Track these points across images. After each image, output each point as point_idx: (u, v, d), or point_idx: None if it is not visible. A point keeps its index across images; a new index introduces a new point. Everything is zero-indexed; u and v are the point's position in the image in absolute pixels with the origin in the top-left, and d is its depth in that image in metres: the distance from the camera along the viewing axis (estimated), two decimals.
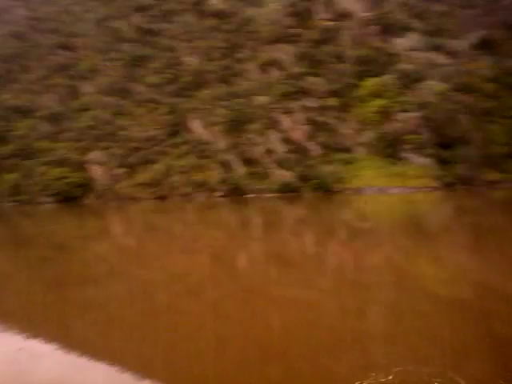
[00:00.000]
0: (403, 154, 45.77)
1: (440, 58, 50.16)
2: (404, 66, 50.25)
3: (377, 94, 48.20)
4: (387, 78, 49.27)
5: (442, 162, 44.09)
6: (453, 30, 52.87)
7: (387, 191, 42.44)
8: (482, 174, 42.66)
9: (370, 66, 51.61)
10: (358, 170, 46.24)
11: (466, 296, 6.32)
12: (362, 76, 51.28)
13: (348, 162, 47.33)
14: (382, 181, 44.17)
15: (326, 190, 44.63)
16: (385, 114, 46.99)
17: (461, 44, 50.94)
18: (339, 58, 53.45)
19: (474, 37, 51.52)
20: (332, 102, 51.08)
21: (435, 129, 45.12)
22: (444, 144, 45.13)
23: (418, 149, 44.99)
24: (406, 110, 46.65)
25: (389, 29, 53.85)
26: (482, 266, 8.44)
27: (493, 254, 9.70)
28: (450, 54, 51.09)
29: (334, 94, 51.57)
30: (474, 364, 4.39)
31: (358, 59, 52.53)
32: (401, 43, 53.00)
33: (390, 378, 4.34)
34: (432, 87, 46.42)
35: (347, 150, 48.85)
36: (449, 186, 41.87)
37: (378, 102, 47.34)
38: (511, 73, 48.19)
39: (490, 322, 5.17)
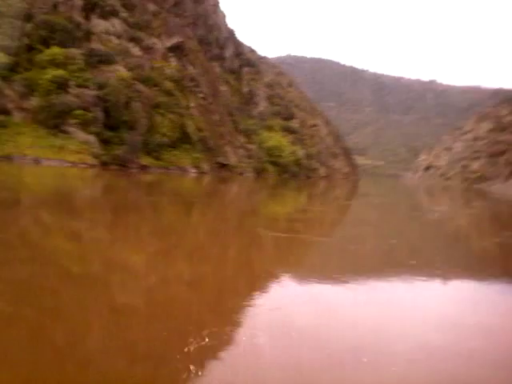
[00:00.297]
0: (68, 128, 44.03)
1: (135, 50, 50.98)
2: (96, 46, 49.33)
3: (57, 64, 45.85)
4: (75, 52, 47.79)
5: (105, 142, 44.81)
6: (155, 29, 54.97)
7: (42, 163, 40.27)
8: (138, 158, 45.16)
9: (61, 35, 49.25)
10: (12, 137, 41.49)
11: (95, 270, 6.50)
12: (48, 43, 48.12)
13: (3, 126, 41.81)
14: (39, 151, 41.54)
15: None
16: (60, 85, 44.36)
17: (157, 43, 53.27)
18: (26, 16, 46.94)
19: (171, 41, 55.03)
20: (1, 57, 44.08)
21: (107, 110, 45.35)
22: (111, 126, 45.97)
23: (85, 125, 44.29)
24: (83, 86, 44.94)
25: (94, 7, 51.56)
26: (117, 242, 8.80)
27: (126, 230, 10.26)
28: (145, 48, 52.66)
29: (5, 49, 44.52)
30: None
31: (49, 25, 48.09)
32: (101, 24, 51.78)
33: None
34: (117, 72, 46.50)
35: (6, 112, 43.16)
36: (105, 164, 42.85)
37: (57, 72, 44.93)
38: (190, 78, 53.63)
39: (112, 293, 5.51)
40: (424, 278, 7.08)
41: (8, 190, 17.86)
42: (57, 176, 30.74)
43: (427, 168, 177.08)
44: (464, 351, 4.14)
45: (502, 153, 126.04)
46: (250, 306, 5.11)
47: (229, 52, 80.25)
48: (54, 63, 45.91)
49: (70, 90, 45.20)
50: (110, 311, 4.70)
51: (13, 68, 45.13)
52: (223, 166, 53.93)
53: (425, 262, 8.45)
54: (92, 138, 43.92)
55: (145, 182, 32.19)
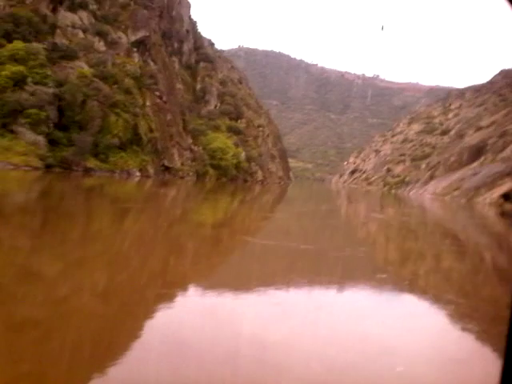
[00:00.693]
0: (17, 128, 44.58)
1: (99, 45, 51.75)
2: (60, 40, 49.62)
3: (18, 60, 45.82)
4: (36, 47, 47.89)
5: (53, 143, 45.68)
6: (122, 22, 55.45)
7: None
8: (85, 160, 46.32)
9: (25, 29, 49.79)
10: None
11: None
12: (11, 37, 48.32)
13: None
14: None
15: None
16: (17, 82, 44.87)
17: (123, 37, 54.05)
18: None
19: (137, 35, 55.90)
20: None
21: (61, 109, 46.23)
22: (63, 125, 46.96)
23: (35, 125, 44.89)
24: (41, 84, 45.72)
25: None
26: (32, 250, 9.43)
27: (50, 237, 10.94)
28: (110, 43, 53.48)
29: None
30: None
31: (14, 18, 48.38)
32: (68, 17, 51.90)
33: None
34: (78, 69, 47.42)
35: None
36: (50, 167, 43.43)
37: (16, 68, 45.20)
38: (150, 75, 55.16)
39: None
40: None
41: None
42: None
43: (353, 172, 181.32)
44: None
45: (426, 156, 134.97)
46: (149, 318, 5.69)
47: (188, 46, 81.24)
48: (14, 58, 46.57)
49: (26, 88, 46.14)
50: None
51: None
52: (167, 168, 56.60)
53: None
54: (41, 139, 44.54)
55: (83, 187, 33.58)
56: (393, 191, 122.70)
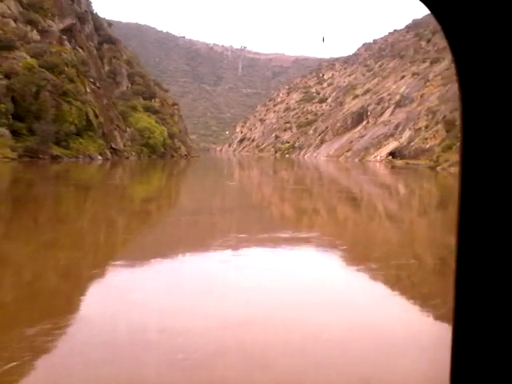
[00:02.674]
0: None
1: (32, 34, 50.19)
2: None
3: None
4: None
5: (15, 134, 45.94)
6: (47, 10, 53.57)
7: None
8: (49, 148, 47.51)
9: None
10: None
11: None
12: None
13: None
14: None
15: None
16: None
17: (53, 25, 52.61)
18: None
19: (65, 22, 54.56)
20: None
21: (15, 100, 45.94)
22: (19, 116, 46.91)
23: None
24: None
25: None
26: None
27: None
28: (42, 32, 51.87)
29: None
30: None
31: None
32: None
33: None
34: (24, 60, 46.70)
35: None
36: (20, 157, 44.19)
37: None
38: (81, 62, 55.32)
39: None
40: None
41: None
42: None
43: (241, 140, 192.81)
44: None
45: (310, 123, 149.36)
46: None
47: (89, 27, 79.73)
48: None
49: None
50: None
51: None
52: (114, 150, 58.91)
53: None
54: (5, 131, 44.92)
55: (61, 170, 37.86)
56: (287, 156, 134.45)
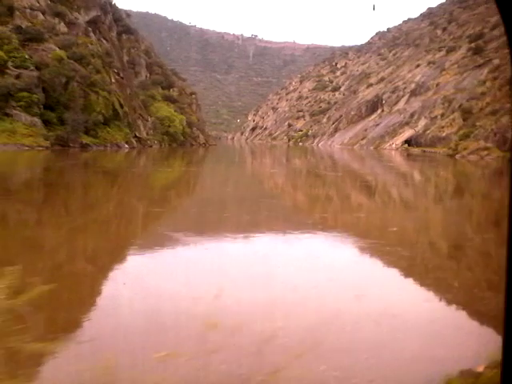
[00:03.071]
0: (12, 111, 45.62)
1: (60, 26, 51.50)
2: (23, 23, 48.67)
3: None
4: (5, 30, 46.87)
5: (46, 123, 47.57)
6: (73, 3, 54.88)
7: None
8: (79, 137, 49.19)
9: None
10: None
11: None
12: None
13: None
14: None
15: None
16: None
17: (79, 17, 53.95)
18: None
19: (90, 14, 55.88)
20: None
21: (46, 90, 47.46)
22: (49, 106, 48.49)
23: (28, 107, 46.10)
24: (21, 67, 46.19)
25: None
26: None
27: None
28: (69, 24, 53.17)
29: None
30: None
31: None
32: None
33: None
34: (51, 51, 48.09)
35: None
36: (52, 146, 46.08)
37: None
38: (106, 53, 56.63)
39: None
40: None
41: None
42: (26, 158, 35.89)
43: (253, 128, 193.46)
44: None
45: (323, 111, 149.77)
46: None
47: (108, 18, 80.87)
48: None
49: (9, 72, 46.51)
50: None
51: None
52: (138, 139, 60.45)
53: None
54: (37, 120, 46.65)
55: (94, 157, 39.72)
56: (300, 144, 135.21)
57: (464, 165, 46.24)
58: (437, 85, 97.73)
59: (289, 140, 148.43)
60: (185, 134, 78.41)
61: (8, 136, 43.13)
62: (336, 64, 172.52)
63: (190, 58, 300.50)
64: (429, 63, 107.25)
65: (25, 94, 45.64)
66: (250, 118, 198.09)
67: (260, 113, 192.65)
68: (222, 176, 29.13)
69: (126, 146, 53.75)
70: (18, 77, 46.64)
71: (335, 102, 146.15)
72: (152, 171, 31.02)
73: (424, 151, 78.08)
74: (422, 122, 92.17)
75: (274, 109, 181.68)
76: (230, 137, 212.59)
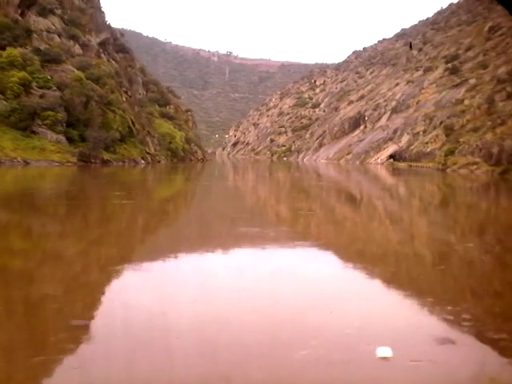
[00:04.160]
0: (38, 129, 47.71)
1: (75, 48, 53.75)
2: (41, 45, 50.78)
3: (16, 65, 47.05)
4: (26, 51, 48.70)
5: (70, 140, 49.79)
6: (85, 26, 57.09)
7: (32, 164, 44.19)
8: (100, 153, 51.60)
9: (4, 34, 48.90)
10: None
11: None
12: None
13: None
14: (22, 153, 44.97)
15: None
16: (24, 87, 46.72)
17: (91, 39, 56.26)
18: None
19: (101, 36, 58.19)
20: None
21: (67, 109, 49.74)
22: (71, 124, 50.77)
23: (53, 125, 48.28)
24: (44, 87, 48.36)
25: (30, 4, 51.48)
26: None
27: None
28: (82, 46, 55.40)
29: None
30: None
31: None
32: (41, 22, 52.37)
33: None
34: (69, 72, 50.36)
35: None
36: (78, 161, 48.47)
37: (19, 74, 46.56)
38: (115, 73, 59.33)
39: None
40: None
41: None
42: (57, 174, 38.02)
43: (234, 144, 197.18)
44: None
45: (305, 127, 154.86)
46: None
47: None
48: (13, 64, 48.12)
49: (33, 92, 48.63)
50: None
51: None
52: (148, 154, 62.96)
53: None
54: (62, 138, 48.92)
55: (115, 172, 42.69)
56: (284, 159, 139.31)
57: (460, 178, 50.77)
58: (417, 102, 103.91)
59: (272, 155, 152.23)
60: (184, 150, 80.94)
61: (39, 153, 45.23)
62: (315, 81, 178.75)
63: (167, 74, 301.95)
64: (408, 82, 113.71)
65: (50, 112, 47.79)
66: (231, 134, 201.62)
67: (241, 128, 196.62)
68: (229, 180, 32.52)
69: (142, 161, 56.22)
70: (41, 96, 48.81)
71: (316, 118, 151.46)
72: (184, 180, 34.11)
73: (410, 166, 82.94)
74: (405, 138, 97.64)
75: (256, 124, 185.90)
76: (209, 151, 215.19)
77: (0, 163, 42.11)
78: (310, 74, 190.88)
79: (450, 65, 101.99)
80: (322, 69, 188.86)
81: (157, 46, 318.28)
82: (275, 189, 33.97)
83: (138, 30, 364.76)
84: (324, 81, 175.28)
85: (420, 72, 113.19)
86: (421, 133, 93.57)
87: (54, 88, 50.29)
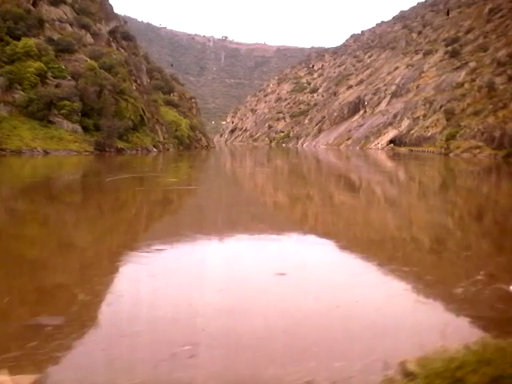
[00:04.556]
0: (54, 118, 48.67)
1: (87, 37, 54.33)
2: (53, 35, 51.31)
3: (32, 56, 47.72)
4: (40, 42, 49.31)
5: (85, 129, 50.80)
6: (95, 14, 57.50)
7: (51, 153, 45.36)
8: (114, 142, 52.72)
9: (19, 24, 49.28)
10: (12, 131, 45.31)
11: None
12: (11, 33, 48.38)
13: None
14: (42, 143, 46.03)
15: None
16: (40, 77, 47.54)
17: (102, 28, 56.79)
18: None
19: (110, 25, 58.78)
20: None
21: (82, 99, 50.61)
22: (85, 113, 51.66)
23: (69, 115, 49.24)
24: (59, 77, 49.19)
25: None
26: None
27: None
28: (93, 35, 55.99)
29: None
30: None
31: (13, 14, 48.90)
32: (52, 12, 52.69)
33: None
34: (82, 61, 51.12)
35: None
36: (94, 150, 49.65)
37: (35, 64, 47.27)
38: (125, 62, 60.00)
39: None
40: None
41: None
42: (75, 162, 39.04)
43: (232, 130, 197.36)
44: None
45: (303, 113, 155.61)
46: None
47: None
48: (29, 55, 48.85)
49: (49, 82, 49.48)
50: None
51: None
52: (159, 142, 64.06)
53: None
54: (78, 127, 49.95)
55: (130, 159, 43.62)
56: (283, 145, 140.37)
57: (465, 162, 52.34)
58: (417, 87, 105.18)
59: (270, 141, 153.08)
60: (189, 138, 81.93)
61: (57, 142, 46.34)
62: (313, 66, 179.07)
63: (162, 60, 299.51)
64: (407, 66, 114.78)
65: (66, 102, 48.71)
66: (228, 120, 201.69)
67: (239, 115, 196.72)
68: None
69: (155, 149, 57.37)
70: (57, 86, 49.70)
71: (315, 104, 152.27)
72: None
73: (412, 150, 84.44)
74: (406, 123, 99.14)
75: (253, 110, 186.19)
76: (215, 138, 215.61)
77: (21, 153, 43.34)
78: (308, 58, 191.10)
79: (450, 48, 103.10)
80: (320, 53, 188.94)
81: (151, 32, 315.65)
82: (287, 178, 35.43)
83: (132, 16, 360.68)
84: (322, 65, 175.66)
85: (420, 55, 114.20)
86: (421, 117, 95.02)
87: (69, 78, 51.12)
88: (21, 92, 47.59)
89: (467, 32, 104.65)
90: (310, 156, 72.92)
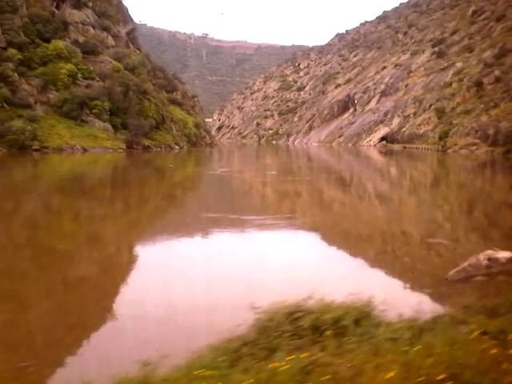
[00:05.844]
0: (87, 118, 51.11)
1: (109, 39, 56.61)
2: (78, 37, 53.49)
3: (63, 58, 49.93)
4: (68, 44, 51.42)
5: (114, 128, 53.33)
6: (113, 17, 59.70)
7: (89, 151, 47.79)
8: (141, 140, 55.39)
9: (46, 27, 51.29)
10: (50, 130, 47.56)
11: None
12: (40, 36, 50.37)
13: (34, 120, 47.02)
14: (80, 141, 48.49)
15: (21, 147, 42.83)
16: (71, 78, 49.79)
17: (121, 30, 59.02)
18: (15, 11, 48.74)
19: (127, 28, 61.11)
20: (12, 54, 47.08)
21: (109, 99, 53.08)
22: (113, 113, 54.14)
23: (100, 114, 51.74)
24: (89, 78, 51.59)
25: None
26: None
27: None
28: (114, 37, 58.20)
29: (13, 46, 47.46)
30: None
31: (41, 18, 50.71)
32: (75, 15, 54.70)
33: None
34: (107, 62, 53.63)
35: (29, 106, 48.20)
36: (125, 148, 52.41)
37: (67, 66, 49.50)
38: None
39: None
40: None
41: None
42: (115, 158, 42.24)
43: (219, 127, 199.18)
44: None
45: (291, 110, 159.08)
46: None
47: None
48: (60, 57, 50.93)
49: (79, 82, 51.73)
50: None
51: (24, 63, 48.47)
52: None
53: None
54: (108, 126, 52.45)
55: (143, 159, 45.73)
56: (273, 142, 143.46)
57: (469, 158, 56.86)
58: (406, 86, 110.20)
59: (259, 138, 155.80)
60: (196, 135, 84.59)
61: (93, 140, 48.80)
62: (299, 65, 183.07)
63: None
64: (395, 65, 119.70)
65: (97, 102, 51.19)
66: (215, 117, 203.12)
67: (225, 112, 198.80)
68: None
69: (176, 146, 60.17)
70: (87, 87, 52.05)
71: (302, 102, 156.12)
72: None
73: (405, 147, 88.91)
74: (396, 121, 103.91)
75: (240, 108, 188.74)
76: None
77: (62, 150, 45.70)
78: (294, 57, 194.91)
79: (436, 48, 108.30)
80: (305, 52, 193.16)
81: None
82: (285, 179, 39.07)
83: None
84: (308, 64, 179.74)
85: (407, 55, 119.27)
86: (411, 115, 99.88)
87: (97, 78, 53.46)
88: (55, 92, 49.83)
89: (452, 33, 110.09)
90: (312, 155, 76.71)
